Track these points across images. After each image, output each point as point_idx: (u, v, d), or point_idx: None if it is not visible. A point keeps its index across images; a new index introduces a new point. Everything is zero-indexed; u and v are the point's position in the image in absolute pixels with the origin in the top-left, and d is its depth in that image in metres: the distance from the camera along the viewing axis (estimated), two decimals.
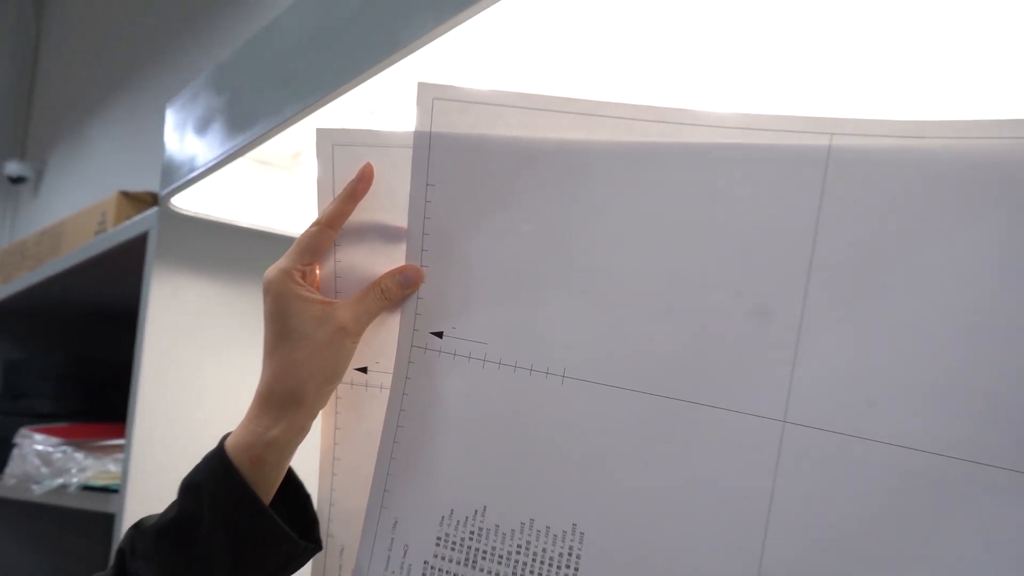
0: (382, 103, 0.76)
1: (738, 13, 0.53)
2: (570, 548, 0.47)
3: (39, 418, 1.49)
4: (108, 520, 1.55)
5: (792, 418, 0.43)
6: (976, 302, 0.41)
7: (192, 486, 0.51)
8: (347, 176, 0.54)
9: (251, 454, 0.51)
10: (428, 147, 0.51)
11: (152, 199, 1.41)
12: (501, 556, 0.49)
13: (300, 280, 0.53)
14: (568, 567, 0.47)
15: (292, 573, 0.54)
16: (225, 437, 0.52)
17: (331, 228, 0.54)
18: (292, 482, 0.55)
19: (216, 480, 0.50)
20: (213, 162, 0.87)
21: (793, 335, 0.44)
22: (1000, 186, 0.41)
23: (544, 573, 0.48)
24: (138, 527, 0.52)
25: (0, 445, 1.62)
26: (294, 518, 0.54)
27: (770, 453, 0.43)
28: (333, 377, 0.53)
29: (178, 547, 0.50)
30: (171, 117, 0.97)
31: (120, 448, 1.21)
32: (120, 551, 0.52)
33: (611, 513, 0.47)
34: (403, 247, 0.53)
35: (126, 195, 1.39)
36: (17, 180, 3.02)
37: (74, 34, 2.92)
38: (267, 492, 0.52)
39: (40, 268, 1.46)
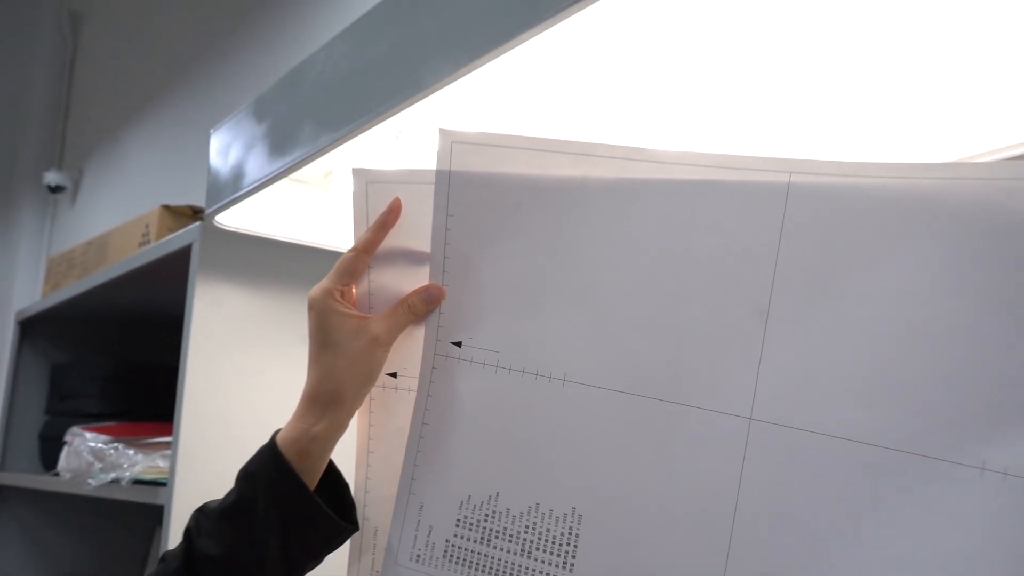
0: (407, 128, 0.83)
1: (714, 63, 0.60)
2: (570, 528, 0.55)
3: (86, 418, 1.55)
4: (149, 511, 1.63)
5: (757, 416, 0.51)
6: (911, 315, 0.47)
7: (248, 474, 0.59)
8: (379, 208, 0.62)
9: (298, 447, 0.58)
10: (448, 183, 0.59)
11: (192, 212, 1.49)
12: (511, 535, 0.57)
13: (339, 298, 0.61)
14: (568, 544, 0.55)
15: (333, 550, 0.61)
16: (276, 433, 0.60)
17: (365, 253, 0.62)
18: (333, 472, 0.63)
19: (269, 470, 0.58)
20: (254, 184, 0.95)
21: (758, 344, 0.51)
22: (929, 218, 0.48)
23: (548, 550, 0.55)
24: (202, 510, 0.61)
25: (50, 443, 1.70)
26: (334, 503, 0.61)
27: (738, 445, 0.51)
28: (368, 381, 0.60)
29: (237, 526, 0.58)
30: (215, 142, 1.05)
31: (167, 445, 1.28)
32: (187, 530, 0.60)
33: (605, 498, 0.54)
34: (427, 269, 0.61)
35: (168, 208, 1.47)
36: (56, 189, 3.11)
37: (109, 47, 3.00)
38: (312, 480, 0.59)
39: (88, 277, 1.53)
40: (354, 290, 0.63)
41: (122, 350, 1.79)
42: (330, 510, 0.59)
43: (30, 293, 3.11)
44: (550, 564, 0.55)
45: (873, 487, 0.47)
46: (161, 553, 0.62)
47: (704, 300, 0.52)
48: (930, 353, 0.47)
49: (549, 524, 0.55)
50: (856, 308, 0.49)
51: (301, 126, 0.89)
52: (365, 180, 0.62)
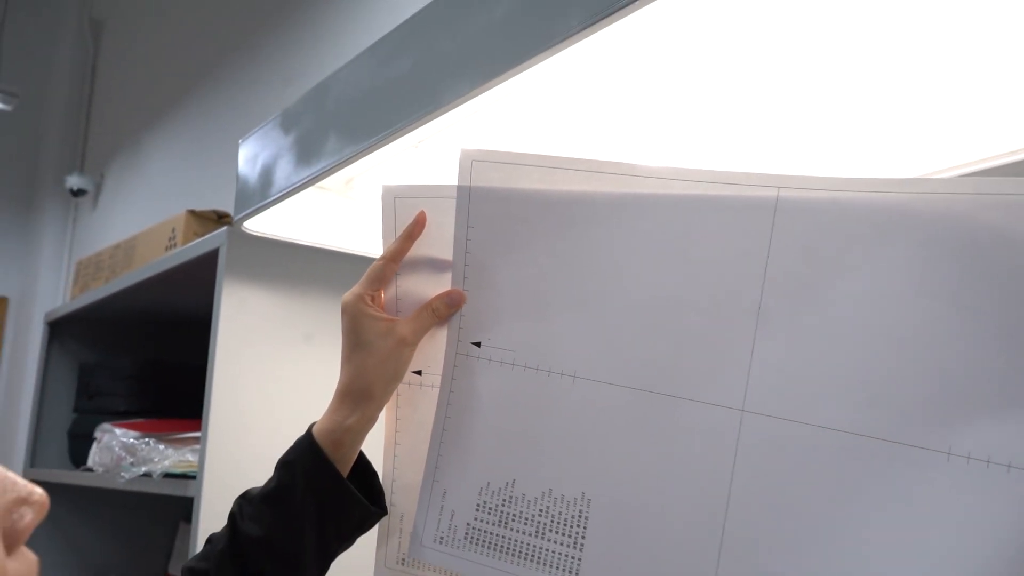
0: (426, 138, 0.88)
1: (715, 80, 0.65)
2: (580, 511, 0.60)
3: (113, 415, 1.59)
4: (174, 506, 1.67)
5: (749, 407, 0.56)
6: (887, 315, 0.52)
7: (287, 463, 0.64)
8: (406, 221, 0.67)
9: (332, 438, 0.64)
10: (468, 198, 0.64)
11: (217, 217, 1.55)
12: (527, 518, 0.62)
13: (370, 303, 0.66)
14: (578, 526, 0.60)
15: (363, 533, 0.67)
16: (312, 425, 0.66)
17: (393, 262, 0.67)
18: (363, 461, 0.68)
19: (306, 458, 0.64)
20: (281, 192, 1.00)
21: (749, 343, 0.56)
22: (904, 228, 0.52)
23: (560, 531, 0.61)
24: (245, 496, 0.66)
25: (78, 440, 1.73)
26: (364, 490, 0.66)
27: (731, 433, 0.56)
28: (395, 378, 0.66)
29: (277, 510, 0.63)
30: (244, 151, 1.11)
31: (195, 440, 1.33)
32: (232, 514, 0.65)
33: (611, 484, 0.59)
34: (449, 276, 0.66)
35: (194, 213, 1.53)
36: (77, 192, 3.18)
37: (130, 54, 3.06)
38: (344, 468, 0.65)
39: (116, 279, 1.58)
40: (383, 295, 0.69)
41: (148, 350, 1.84)
42: (361, 496, 0.64)
43: (52, 294, 3.19)
44: (562, 544, 0.60)
45: (854, 472, 0.52)
46: (188, 544, 0.67)
47: (700, 303, 0.57)
48: (904, 350, 0.52)
49: (561, 508, 0.60)
50: (838, 310, 0.54)
51: (326, 138, 0.94)
52: (393, 195, 0.68)
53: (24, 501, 0.37)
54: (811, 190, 0.55)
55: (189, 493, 1.19)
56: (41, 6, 3.46)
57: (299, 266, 1.21)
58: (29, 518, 0.37)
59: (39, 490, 0.38)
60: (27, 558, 0.38)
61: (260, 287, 1.20)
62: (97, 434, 1.53)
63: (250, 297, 1.19)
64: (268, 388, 1.17)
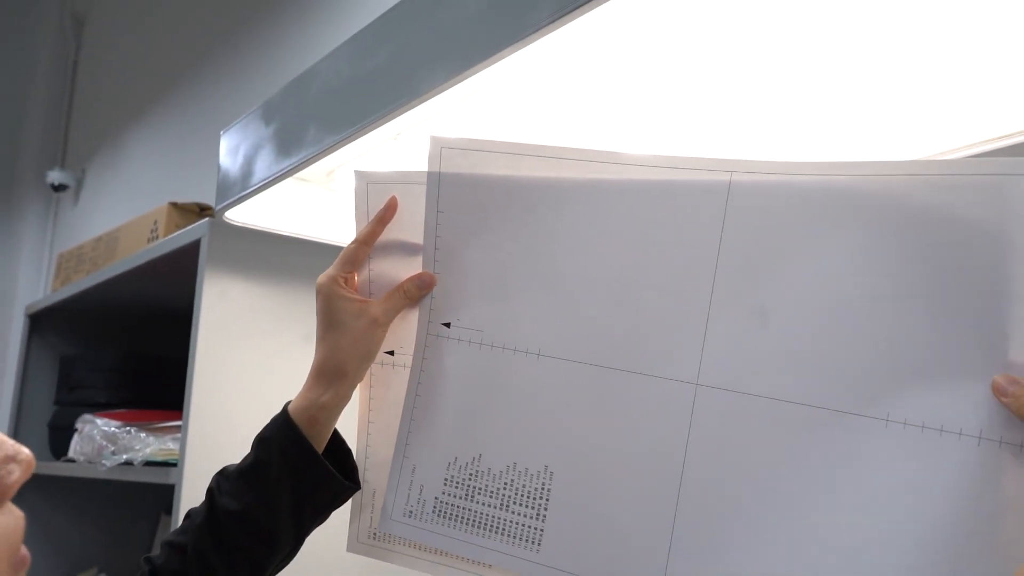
0: (405, 130, 0.90)
1: (683, 70, 0.67)
2: (543, 484, 0.63)
3: (94, 407, 1.60)
4: (155, 498, 1.67)
5: (703, 381, 0.58)
6: (835, 294, 0.55)
7: (264, 440, 0.66)
8: (378, 205, 0.69)
9: (307, 415, 0.66)
10: (438, 184, 0.67)
11: (199, 209, 1.56)
12: (492, 491, 0.64)
13: (343, 284, 0.68)
14: (541, 498, 0.63)
15: (337, 507, 0.69)
16: (287, 404, 0.68)
17: (366, 245, 0.69)
18: (337, 439, 0.70)
19: (282, 435, 0.66)
20: (262, 182, 1.02)
21: (703, 320, 0.58)
22: (854, 210, 0.55)
23: (523, 503, 0.63)
24: (222, 472, 0.68)
25: (59, 432, 1.72)
26: (338, 466, 0.68)
27: (686, 406, 0.58)
28: (368, 357, 0.68)
29: (254, 486, 0.65)
30: (225, 142, 1.12)
31: (176, 428, 1.35)
32: (209, 490, 0.67)
33: (572, 457, 0.62)
34: (420, 259, 0.68)
35: (175, 206, 1.54)
36: (59, 188, 3.16)
37: (111, 49, 3.05)
38: (319, 445, 0.67)
39: (98, 271, 1.59)
40: (356, 277, 0.71)
41: (129, 343, 1.84)
42: (335, 472, 0.66)
43: (32, 289, 3.18)
44: (525, 516, 0.63)
45: (801, 440, 0.55)
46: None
47: (657, 283, 0.60)
48: (847, 324, 0.54)
49: (525, 481, 0.63)
50: (787, 287, 0.56)
51: (306, 128, 0.96)
52: (366, 180, 0.70)
53: (12, 459, 0.40)
54: (762, 174, 0.58)
55: (170, 480, 1.21)
56: (22, 0, 3.45)
57: (280, 257, 1.23)
58: (16, 475, 0.40)
59: (25, 449, 0.41)
60: (15, 513, 0.40)
61: (241, 278, 1.22)
62: (78, 424, 1.54)
63: (231, 288, 1.21)
64: (248, 374, 1.19)
